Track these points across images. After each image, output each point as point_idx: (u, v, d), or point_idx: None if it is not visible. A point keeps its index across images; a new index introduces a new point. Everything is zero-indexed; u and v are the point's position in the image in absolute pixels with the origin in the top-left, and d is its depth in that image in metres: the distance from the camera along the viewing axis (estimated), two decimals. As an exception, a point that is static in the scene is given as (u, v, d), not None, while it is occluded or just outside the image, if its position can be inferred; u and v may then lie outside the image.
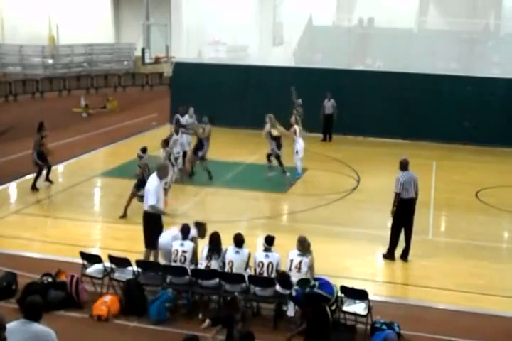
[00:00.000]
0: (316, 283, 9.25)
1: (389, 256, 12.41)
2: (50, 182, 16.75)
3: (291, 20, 27.28)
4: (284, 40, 28.29)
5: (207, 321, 9.42)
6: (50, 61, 37.74)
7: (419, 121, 23.31)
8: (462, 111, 22.94)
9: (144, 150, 14.65)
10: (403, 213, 12.22)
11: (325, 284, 9.35)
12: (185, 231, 10.30)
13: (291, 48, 27.95)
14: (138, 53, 32.80)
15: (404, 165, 12.32)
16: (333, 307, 9.21)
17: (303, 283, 9.34)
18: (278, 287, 9.62)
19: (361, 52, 27.33)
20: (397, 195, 12.12)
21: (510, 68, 23.52)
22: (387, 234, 13.80)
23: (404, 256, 12.34)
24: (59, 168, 19.10)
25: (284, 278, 9.61)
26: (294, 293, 9.29)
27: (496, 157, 21.51)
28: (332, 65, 24.68)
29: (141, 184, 13.45)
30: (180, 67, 25.03)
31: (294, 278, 9.57)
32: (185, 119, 18.45)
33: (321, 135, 23.23)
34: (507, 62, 23.98)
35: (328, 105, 22.95)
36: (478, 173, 19.36)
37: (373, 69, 25.14)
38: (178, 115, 18.45)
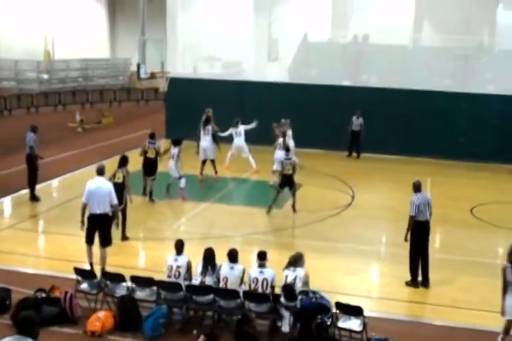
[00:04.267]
0: (317, 295, 9.35)
1: (413, 283, 11.94)
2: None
3: (286, 36, 27.42)
4: (279, 56, 28.40)
5: (201, 337, 9.40)
6: (46, 76, 37.78)
7: (413, 136, 23.38)
8: (457, 127, 23.03)
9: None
10: (419, 236, 11.93)
11: (322, 297, 9.45)
12: (179, 246, 10.29)
13: (287, 64, 28.05)
14: (133, 68, 32.84)
15: (417, 187, 12.06)
16: (329, 323, 9.26)
17: (305, 293, 9.43)
18: (283, 299, 9.63)
19: (356, 68, 27.44)
20: (412, 218, 11.84)
21: (504, 84, 23.63)
22: (381, 249, 13.82)
23: (426, 282, 11.95)
24: (53, 183, 19.09)
25: (289, 290, 9.62)
26: (299, 304, 9.39)
27: (490, 173, 21.55)
28: (327, 81, 24.78)
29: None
30: (175, 83, 25.06)
31: (289, 293, 9.57)
32: None
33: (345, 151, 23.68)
34: (501, 79, 24.09)
35: (357, 122, 23.14)
36: (472, 189, 19.39)
37: (368, 86, 25.23)
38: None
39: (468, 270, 12.85)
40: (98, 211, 11.55)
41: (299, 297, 9.50)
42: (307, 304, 9.34)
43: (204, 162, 19.45)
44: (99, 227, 11.65)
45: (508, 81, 23.67)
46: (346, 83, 25.57)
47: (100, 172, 11.92)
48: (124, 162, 13.96)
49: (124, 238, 13.66)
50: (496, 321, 10.47)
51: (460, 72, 25.50)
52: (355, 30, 27.37)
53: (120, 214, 12.85)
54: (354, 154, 23.73)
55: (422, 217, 11.93)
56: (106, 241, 11.75)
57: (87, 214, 11.70)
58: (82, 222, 11.68)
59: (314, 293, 9.54)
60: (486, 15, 26.44)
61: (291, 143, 18.97)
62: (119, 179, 13.51)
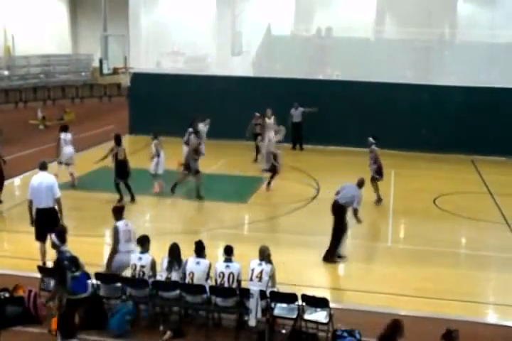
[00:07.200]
0: (77, 274, 9.52)
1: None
2: None
3: (250, 29, 27.38)
4: (243, 50, 28.36)
5: (168, 333, 9.39)
6: (6, 72, 37.17)
7: (377, 129, 23.43)
8: (419, 119, 23.27)
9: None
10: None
11: (81, 282, 9.62)
12: (142, 243, 10.21)
13: (250, 58, 28.04)
14: (96, 64, 32.50)
15: None
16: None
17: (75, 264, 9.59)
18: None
19: (320, 61, 27.52)
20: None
21: (465, 76, 23.92)
22: (347, 242, 13.88)
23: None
24: (15, 181, 18.81)
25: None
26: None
27: (452, 164, 21.81)
28: (290, 75, 24.82)
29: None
30: (138, 78, 24.89)
31: (256, 287, 9.54)
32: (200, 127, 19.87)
33: (289, 144, 23.37)
34: (462, 70, 24.38)
35: (296, 114, 23.15)
36: (435, 180, 19.59)
37: (331, 79, 25.33)
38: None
39: (431, 260, 12.99)
40: (42, 205, 11.58)
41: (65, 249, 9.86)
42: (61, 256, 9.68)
43: None
44: (47, 222, 11.53)
45: (469, 72, 23.97)
46: (310, 76, 25.61)
47: (42, 167, 11.88)
48: (119, 140, 16.18)
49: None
50: (458, 309, 10.66)
51: (422, 64, 25.73)
52: (318, 23, 27.42)
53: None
54: (303, 147, 23.74)
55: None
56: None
57: (34, 210, 11.68)
58: (32, 219, 11.67)
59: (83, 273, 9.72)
60: (447, 7, 26.72)
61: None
62: (121, 156, 15.96)
